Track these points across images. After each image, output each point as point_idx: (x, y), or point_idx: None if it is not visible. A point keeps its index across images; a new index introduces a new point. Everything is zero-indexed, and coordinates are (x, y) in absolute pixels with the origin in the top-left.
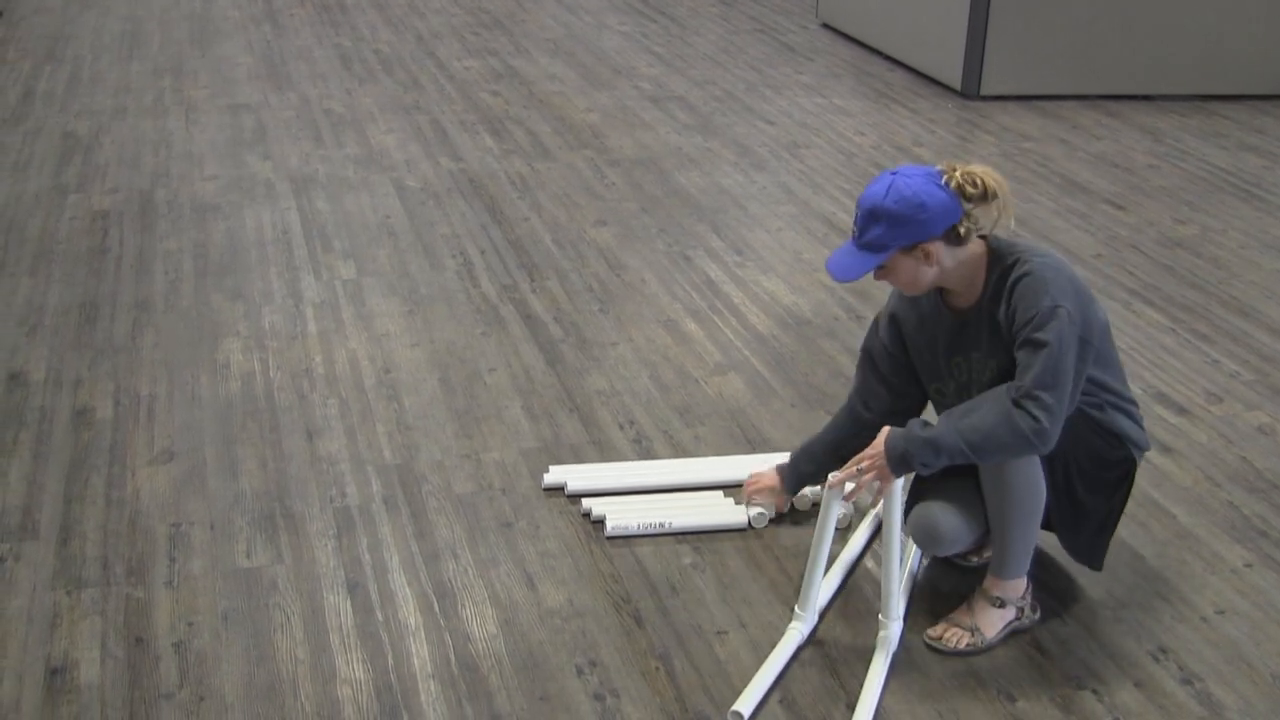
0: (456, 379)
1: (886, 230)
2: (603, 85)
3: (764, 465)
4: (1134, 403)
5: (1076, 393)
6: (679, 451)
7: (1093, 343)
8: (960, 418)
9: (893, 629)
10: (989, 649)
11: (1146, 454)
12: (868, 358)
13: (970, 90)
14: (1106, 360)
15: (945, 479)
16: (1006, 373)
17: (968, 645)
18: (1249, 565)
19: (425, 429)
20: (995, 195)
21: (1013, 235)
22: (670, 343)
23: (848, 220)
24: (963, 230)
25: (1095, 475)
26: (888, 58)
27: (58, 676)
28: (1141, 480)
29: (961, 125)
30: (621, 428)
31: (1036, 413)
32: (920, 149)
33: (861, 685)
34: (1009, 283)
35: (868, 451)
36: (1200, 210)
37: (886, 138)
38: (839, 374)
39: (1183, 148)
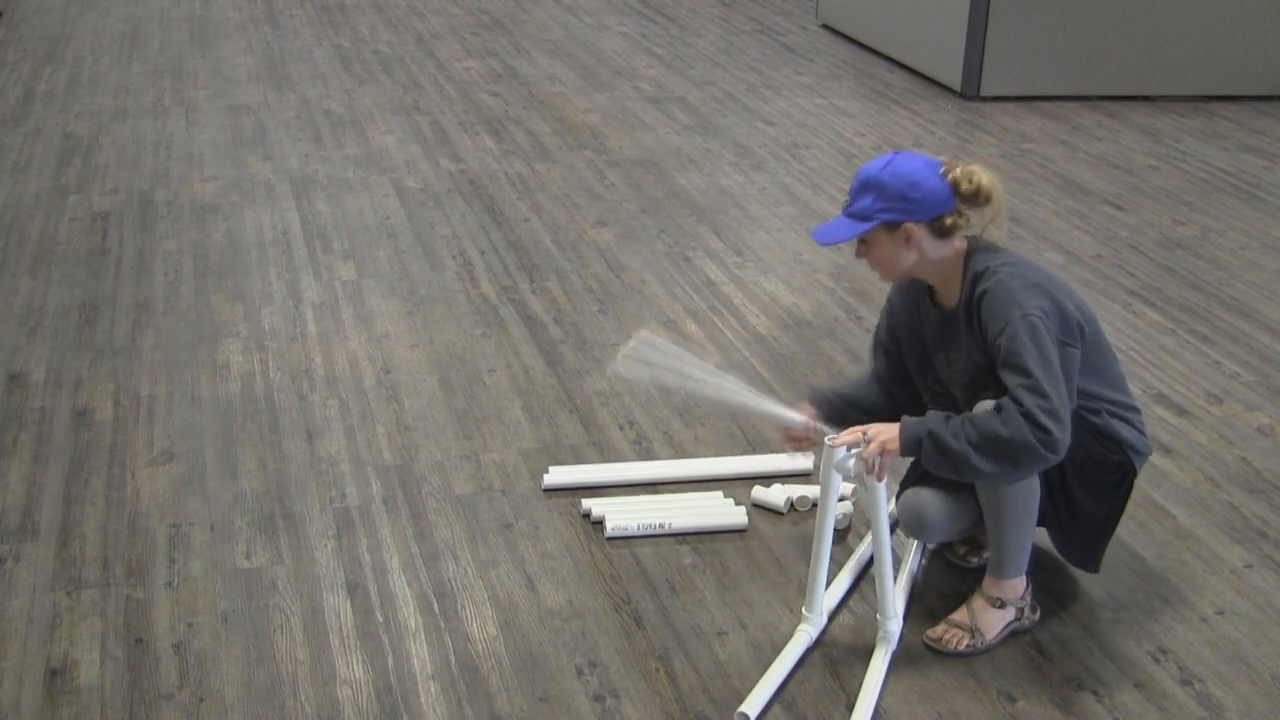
0: (456, 380)
1: (875, 201)
2: (602, 86)
3: (762, 465)
4: (1135, 409)
5: (1070, 397)
6: (679, 452)
7: (1075, 345)
8: (981, 426)
9: (891, 628)
10: (989, 650)
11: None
12: (878, 345)
13: (970, 91)
14: (1102, 368)
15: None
16: (984, 373)
17: (967, 646)
18: (1249, 566)
19: (425, 430)
20: (988, 200)
21: (994, 240)
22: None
23: None
24: (949, 223)
25: (1093, 478)
26: (888, 58)
27: (58, 677)
28: (1141, 481)
29: (961, 126)
30: (621, 429)
31: (1046, 423)
32: (920, 150)
33: (861, 686)
34: (975, 297)
35: (879, 426)
36: (1200, 211)
37: (886, 139)
38: (839, 375)
39: (1183, 149)
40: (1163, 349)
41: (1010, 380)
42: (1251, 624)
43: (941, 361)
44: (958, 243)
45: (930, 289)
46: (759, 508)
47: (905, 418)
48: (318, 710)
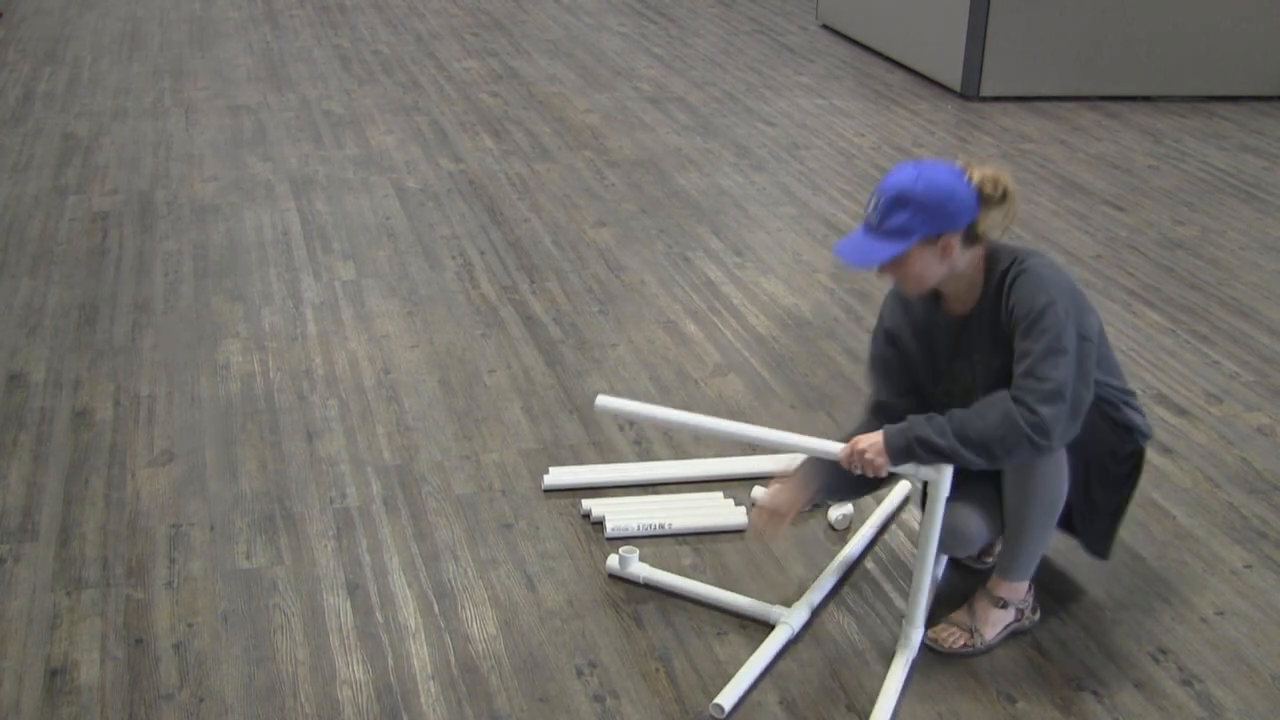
0: (456, 380)
1: (912, 217)
2: (602, 86)
3: (763, 465)
4: (1133, 393)
5: (1084, 390)
6: (678, 453)
7: (1093, 340)
8: (961, 417)
9: (914, 635)
10: (988, 650)
11: (1147, 457)
12: (875, 375)
13: (970, 91)
14: (1106, 358)
15: (967, 481)
16: (1001, 377)
17: (965, 645)
18: (1249, 566)
19: (425, 430)
20: (1011, 199)
21: (1007, 237)
22: (670, 344)
23: (848, 221)
24: (979, 229)
25: (1111, 471)
26: (887, 59)
27: (58, 677)
28: (1142, 480)
29: (961, 126)
30: (621, 429)
31: (1036, 406)
32: (920, 150)
33: (861, 686)
34: (1007, 282)
35: (868, 437)
36: (1200, 211)
37: (886, 139)
38: (838, 375)
39: (1182, 149)
40: (1162, 349)
41: (1021, 359)
42: (1251, 624)
43: (962, 368)
44: (978, 248)
45: (938, 298)
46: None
47: (887, 427)
48: (318, 710)
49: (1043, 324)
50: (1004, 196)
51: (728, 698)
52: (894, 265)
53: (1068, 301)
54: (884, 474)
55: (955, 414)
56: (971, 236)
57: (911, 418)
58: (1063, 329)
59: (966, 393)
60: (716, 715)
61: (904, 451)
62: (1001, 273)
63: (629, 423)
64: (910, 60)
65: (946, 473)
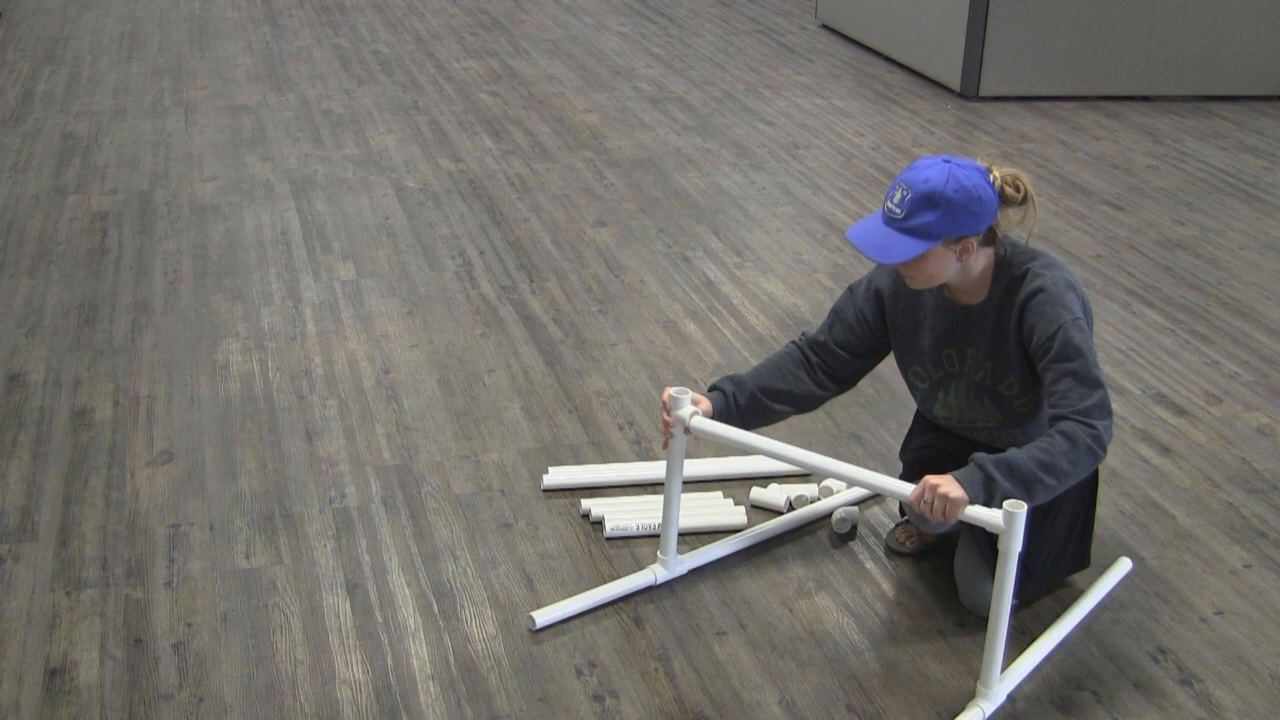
0: (456, 380)
1: (940, 219)
2: (602, 86)
3: (762, 465)
4: None
5: None
6: None
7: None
8: (1029, 448)
9: (989, 696)
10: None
11: (1145, 455)
12: (837, 319)
13: (969, 91)
14: None
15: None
16: (1000, 374)
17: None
18: (1248, 566)
19: (424, 430)
20: (1030, 201)
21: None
22: (669, 343)
23: (847, 220)
24: (997, 231)
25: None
26: (887, 58)
27: (57, 677)
28: (1141, 481)
29: (961, 126)
30: (621, 429)
31: (1094, 422)
32: (920, 150)
33: (861, 686)
34: (1021, 296)
35: (936, 481)
36: (1199, 211)
37: (886, 139)
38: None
39: (1182, 148)
40: (1162, 349)
41: (1061, 382)
42: (1251, 624)
43: (950, 355)
44: (994, 247)
45: (941, 284)
46: (758, 508)
47: (975, 460)
48: (317, 710)
49: (1074, 342)
50: (1024, 199)
51: (545, 615)
52: (911, 263)
53: (1076, 306)
54: (955, 517)
55: (1015, 451)
56: (989, 237)
57: (976, 456)
58: (1085, 340)
59: (946, 381)
60: (529, 625)
61: (983, 485)
62: (1012, 280)
63: (628, 422)
64: (910, 60)
65: (1018, 522)
